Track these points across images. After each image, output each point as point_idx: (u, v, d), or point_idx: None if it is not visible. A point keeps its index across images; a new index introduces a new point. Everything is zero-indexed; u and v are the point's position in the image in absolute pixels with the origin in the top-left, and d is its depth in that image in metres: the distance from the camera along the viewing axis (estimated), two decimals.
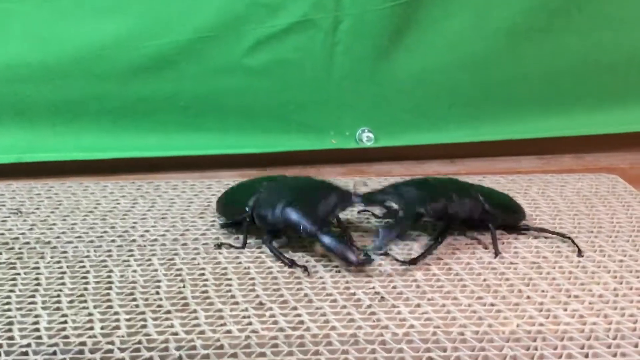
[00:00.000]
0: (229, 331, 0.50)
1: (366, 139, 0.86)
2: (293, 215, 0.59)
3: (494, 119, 0.89)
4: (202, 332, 0.50)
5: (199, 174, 0.84)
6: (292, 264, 0.59)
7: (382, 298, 0.55)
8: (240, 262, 0.60)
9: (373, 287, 0.56)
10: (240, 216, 0.63)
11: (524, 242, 0.65)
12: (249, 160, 0.85)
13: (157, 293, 0.55)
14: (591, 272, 0.59)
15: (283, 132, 0.85)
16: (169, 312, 0.52)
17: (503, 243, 0.65)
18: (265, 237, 0.62)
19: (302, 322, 0.51)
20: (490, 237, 0.63)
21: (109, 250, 0.62)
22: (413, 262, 0.60)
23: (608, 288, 0.56)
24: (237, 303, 0.54)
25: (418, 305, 0.54)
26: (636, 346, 0.48)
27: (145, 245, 0.63)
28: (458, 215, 0.63)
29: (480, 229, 0.65)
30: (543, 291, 0.56)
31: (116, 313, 0.52)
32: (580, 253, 0.62)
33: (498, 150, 0.91)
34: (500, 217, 0.65)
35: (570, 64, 0.86)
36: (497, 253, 0.62)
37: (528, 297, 0.55)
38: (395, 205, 0.64)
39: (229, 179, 0.81)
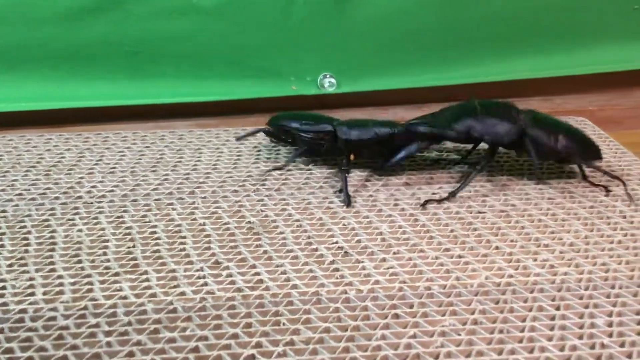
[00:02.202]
0: (182, 293, 0.47)
1: (328, 84, 0.82)
2: (382, 129, 0.63)
3: (462, 61, 0.85)
4: (153, 295, 0.46)
5: (152, 124, 0.79)
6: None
7: (346, 253, 0.52)
8: (195, 219, 0.57)
9: (336, 242, 0.54)
10: (322, 130, 0.64)
11: (491, 190, 0.62)
12: (205, 108, 0.81)
13: (105, 254, 0.51)
14: (561, 219, 0.57)
15: (240, 79, 0.80)
16: (117, 274, 0.49)
17: (470, 191, 0.62)
18: (345, 163, 0.62)
19: (261, 282, 0.48)
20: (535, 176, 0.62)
21: (52, 209, 0.58)
22: (452, 195, 0.60)
23: (579, 236, 0.55)
24: (191, 262, 0.50)
25: (383, 260, 0.51)
26: (608, 297, 0.47)
27: (92, 202, 0.59)
28: (485, 137, 0.61)
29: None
30: (512, 241, 0.54)
31: (60, 277, 0.48)
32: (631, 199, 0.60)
33: (466, 93, 0.88)
34: (552, 145, 0.61)
35: (540, 3, 0.82)
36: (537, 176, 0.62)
37: (497, 248, 0.53)
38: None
39: (184, 129, 0.76)
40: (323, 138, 0.64)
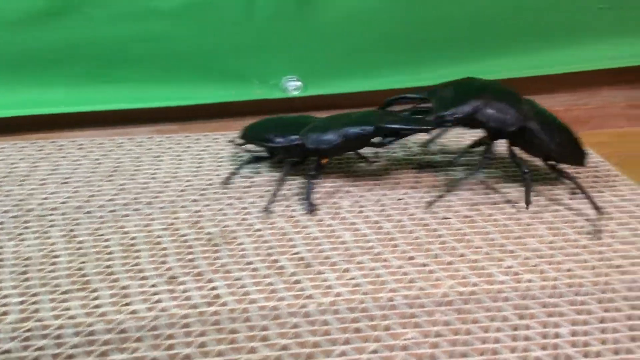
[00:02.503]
0: (134, 311, 0.45)
1: (293, 87, 0.80)
2: (352, 127, 0.59)
3: (433, 62, 0.84)
4: (103, 314, 0.44)
5: (111, 130, 0.77)
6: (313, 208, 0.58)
7: (308, 264, 0.51)
8: (151, 231, 0.55)
9: (298, 252, 0.52)
10: (289, 142, 0.61)
11: (457, 194, 0.61)
12: (166, 114, 0.78)
13: (55, 271, 0.49)
14: (526, 223, 0.56)
15: (202, 83, 0.78)
16: (67, 292, 0.47)
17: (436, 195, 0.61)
18: (312, 173, 0.60)
19: (218, 296, 0.47)
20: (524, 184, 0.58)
21: (1, 222, 0.55)
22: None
23: (544, 241, 0.54)
24: (145, 278, 0.48)
25: (346, 270, 0.50)
26: (573, 304, 0.46)
27: (43, 215, 0.57)
28: (489, 123, 0.58)
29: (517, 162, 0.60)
30: (477, 247, 0.53)
31: (6, 296, 0.46)
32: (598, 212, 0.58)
33: None
34: (547, 141, 0.59)
35: (509, 3, 0.82)
36: (528, 201, 0.58)
37: (461, 255, 0.52)
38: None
39: (144, 136, 0.74)
40: (292, 150, 0.61)
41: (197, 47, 0.76)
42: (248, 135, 0.66)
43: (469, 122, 0.59)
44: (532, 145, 0.60)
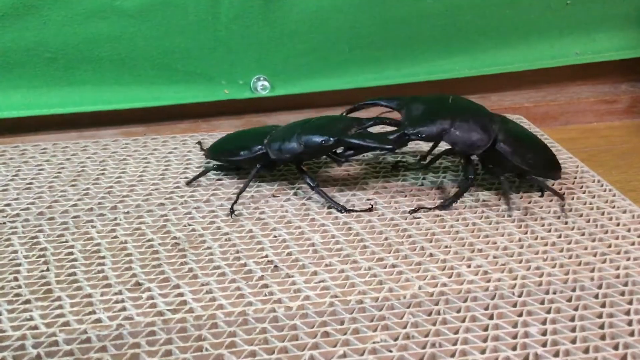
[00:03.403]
0: (98, 320, 0.44)
1: (261, 87, 0.79)
2: (313, 137, 0.57)
3: (397, 61, 0.84)
4: (65, 324, 0.43)
5: (75, 133, 0.75)
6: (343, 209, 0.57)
7: (276, 267, 0.50)
8: (115, 237, 0.53)
9: (266, 256, 0.51)
10: (253, 153, 0.60)
11: (427, 194, 0.61)
12: (132, 116, 0.77)
13: (16, 279, 0.48)
14: (495, 222, 0.56)
15: (169, 84, 0.77)
16: (28, 301, 0.45)
17: (406, 195, 0.61)
18: (309, 182, 0.58)
19: (184, 303, 0.46)
20: (501, 191, 0.57)
21: None
22: (443, 206, 0.58)
23: (512, 239, 0.54)
24: (109, 285, 0.47)
25: (315, 273, 0.49)
26: (542, 303, 0.46)
27: (4, 222, 0.55)
28: (455, 146, 0.57)
29: (494, 172, 0.59)
30: (446, 247, 0.53)
31: None
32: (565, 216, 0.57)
33: (403, 94, 0.87)
34: (518, 162, 0.58)
35: (472, 0, 0.82)
36: (509, 208, 0.57)
37: (431, 255, 0.51)
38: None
39: (109, 138, 0.73)
40: (258, 160, 0.60)
41: (162, 48, 0.75)
42: (213, 154, 0.65)
43: (435, 140, 0.59)
44: (502, 164, 0.59)
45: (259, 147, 0.60)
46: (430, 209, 0.58)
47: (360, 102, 0.64)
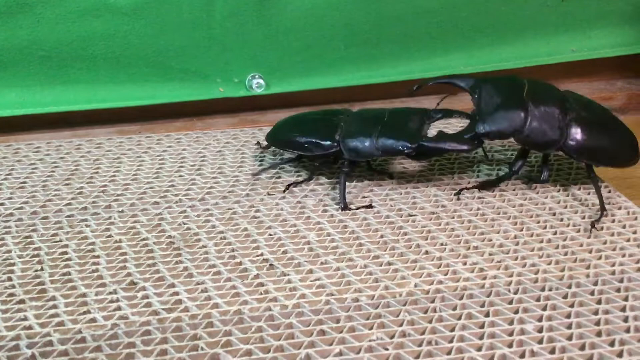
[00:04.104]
0: (92, 320, 0.43)
1: (256, 85, 0.79)
2: (392, 142, 0.57)
3: (393, 58, 0.84)
4: (60, 324, 0.43)
5: (69, 132, 0.75)
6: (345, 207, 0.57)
7: (271, 266, 0.50)
8: (110, 236, 0.53)
9: (261, 254, 0.51)
10: (326, 150, 0.60)
11: (422, 191, 0.61)
12: (127, 114, 0.76)
13: (10, 279, 0.47)
14: (491, 219, 0.56)
15: (163, 82, 0.76)
16: (22, 301, 0.45)
17: (401, 193, 0.60)
18: (345, 170, 0.59)
19: (179, 302, 0.45)
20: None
21: None
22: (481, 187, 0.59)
23: (508, 236, 0.54)
24: (104, 285, 0.47)
25: (310, 272, 0.49)
26: (538, 300, 0.46)
27: None
28: (529, 145, 0.57)
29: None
30: (442, 244, 0.52)
31: None
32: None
33: (399, 92, 0.87)
34: (587, 155, 0.57)
35: None
36: (602, 210, 0.55)
37: (426, 253, 0.51)
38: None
39: (103, 137, 0.72)
40: (329, 155, 0.60)
41: (157, 46, 0.75)
42: (274, 140, 0.64)
43: (505, 139, 0.58)
44: (573, 154, 0.57)
45: (333, 144, 0.59)
46: (471, 188, 0.59)
47: (430, 80, 0.63)
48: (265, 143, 0.68)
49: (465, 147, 0.57)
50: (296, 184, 0.61)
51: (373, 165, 0.64)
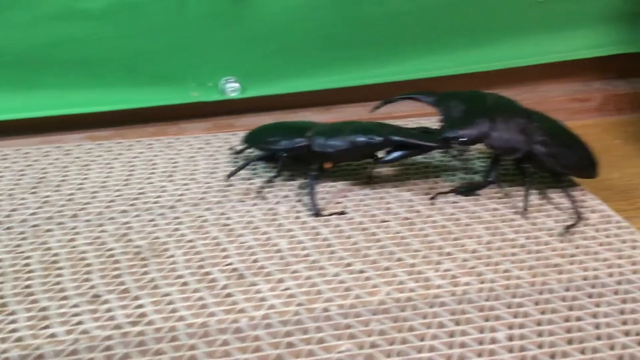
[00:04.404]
0: (53, 335, 0.42)
1: (231, 89, 0.78)
2: (360, 135, 0.58)
3: (369, 61, 0.83)
4: (19, 339, 0.42)
5: (39, 138, 0.73)
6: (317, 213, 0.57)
7: (241, 275, 0.49)
8: (75, 246, 0.52)
9: (231, 263, 0.50)
10: (295, 144, 0.60)
11: (396, 196, 0.60)
12: (98, 120, 0.75)
13: None
14: (465, 224, 0.56)
15: (135, 86, 0.75)
16: None
17: (375, 199, 0.60)
18: (313, 174, 0.59)
19: (144, 315, 0.44)
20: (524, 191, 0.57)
21: None
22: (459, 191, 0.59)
23: (481, 242, 0.53)
24: (66, 298, 0.46)
25: (280, 281, 0.48)
26: (510, 307, 0.45)
27: None
28: (496, 149, 0.57)
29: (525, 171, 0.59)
30: (415, 251, 0.52)
31: None
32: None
33: (376, 94, 0.86)
34: (552, 164, 0.58)
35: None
36: (525, 207, 0.57)
37: (399, 260, 0.51)
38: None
39: (74, 143, 0.71)
40: (298, 151, 0.60)
41: (128, 49, 0.73)
42: (251, 140, 0.65)
43: (474, 144, 0.58)
44: (536, 165, 0.60)
45: (301, 140, 0.60)
46: (446, 192, 0.59)
47: (395, 96, 0.64)
48: (238, 148, 0.67)
49: (432, 144, 0.57)
50: (269, 180, 0.61)
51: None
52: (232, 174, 0.62)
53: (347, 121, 0.63)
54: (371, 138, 0.58)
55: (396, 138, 0.58)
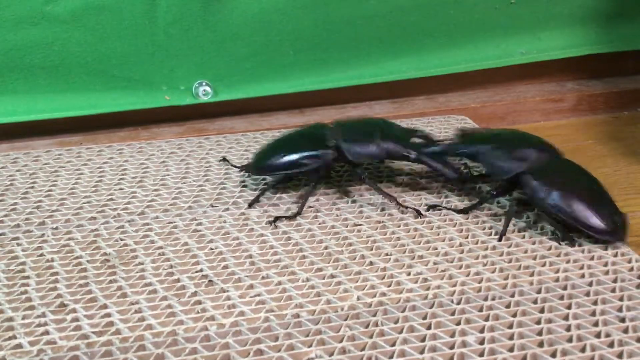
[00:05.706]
0: (18, 345, 0.41)
1: (203, 92, 0.77)
2: (398, 147, 0.58)
3: (343, 63, 0.83)
4: None
5: (7, 144, 0.72)
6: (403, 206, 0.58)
7: (210, 282, 0.48)
8: (42, 254, 0.51)
9: (201, 270, 0.49)
10: (323, 158, 0.58)
11: (369, 199, 0.60)
12: (68, 125, 0.74)
13: None
14: (437, 227, 0.55)
15: (105, 90, 0.74)
16: None
17: (348, 202, 0.59)
18: (361, 172, 0.59)
19: (111, 324, 0.43)
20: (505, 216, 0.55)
21: None
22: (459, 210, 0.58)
23: (453, 244, 0.53)
24: (32, 308, 0.45)
25: (251, 287, 0.47)
26: (481, 310, 0.45)
27: None
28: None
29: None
30: (387, 254, 0.51)
31: None
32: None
33: (349, 97, 0.86)
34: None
35: (417, 1, 0.81)
36: (503, 233, 0.54)
37: (371, 264, 0.50)
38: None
39: (43, 149, 0.70)
40: (327, 164, 0.59)
41: (98, 53, 0.73)
42: (264, 168, 0.60)
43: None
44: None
45: (327, 152, 0.58)
46: (444, 208, 0.58)
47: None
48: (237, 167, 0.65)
49: (453, 176, 0.59)
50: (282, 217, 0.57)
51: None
52: (252, 204, 0.58)
53: (363, 119, 0.63)
54: (407, 152, 0.58)
55: (426, 160, 0.58)
